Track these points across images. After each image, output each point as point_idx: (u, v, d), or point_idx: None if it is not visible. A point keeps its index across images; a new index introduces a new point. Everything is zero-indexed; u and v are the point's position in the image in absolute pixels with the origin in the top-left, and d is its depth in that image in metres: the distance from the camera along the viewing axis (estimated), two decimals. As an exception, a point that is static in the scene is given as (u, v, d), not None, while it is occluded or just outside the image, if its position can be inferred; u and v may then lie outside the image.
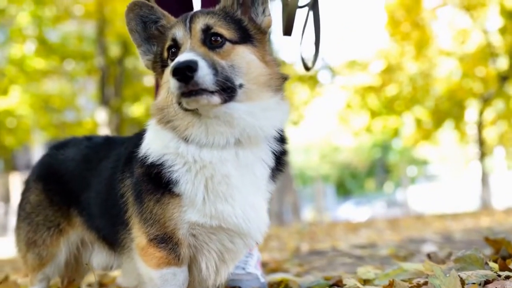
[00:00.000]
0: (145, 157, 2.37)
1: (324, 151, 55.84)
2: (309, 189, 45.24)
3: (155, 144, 2.37)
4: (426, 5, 25.71)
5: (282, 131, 2.46)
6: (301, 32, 3.32)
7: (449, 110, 26.45)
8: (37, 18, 21.47)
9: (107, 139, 2.98)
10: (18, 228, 3.02)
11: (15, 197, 29.22)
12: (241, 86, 2.23)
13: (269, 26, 2.45)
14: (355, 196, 52.08)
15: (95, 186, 2.73)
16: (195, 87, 2.09)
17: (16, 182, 29.57)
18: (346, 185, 57.35)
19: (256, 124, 2.25)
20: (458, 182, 43.23)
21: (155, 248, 2.34)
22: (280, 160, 2.44)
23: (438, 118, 26.84)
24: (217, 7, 2.45)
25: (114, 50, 23.99)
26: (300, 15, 3.25)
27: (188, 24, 2.32)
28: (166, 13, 2.49)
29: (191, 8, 3.51)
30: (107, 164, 2.72)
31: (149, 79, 23.60)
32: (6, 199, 26.91)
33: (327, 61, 27.46)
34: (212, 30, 2.28)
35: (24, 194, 3.06)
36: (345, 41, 69.79)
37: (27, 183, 3.08)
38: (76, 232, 2.90)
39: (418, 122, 27.77)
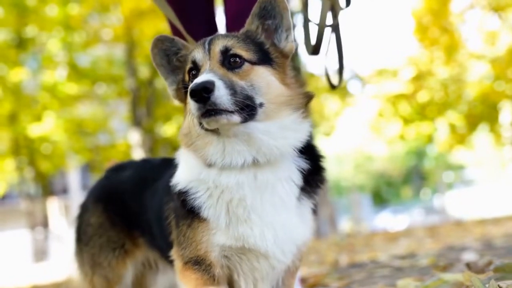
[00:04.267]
0: (175, 185, 2.46)
1: (358, 161, 55.52)
2: (345, 200, 45.13)
3: (182, 171, 2.46)
4: (454, 9, 25.51)
5: (313, 147, 2.49)
6: (326, 52, 3.35)
7: (483, 113, 26.12)
8: (67, 44, 21.79)
9: (164, 160, 3.04)
10: (80, 251, 3.08)
11: (53, 222, 29.61)
12: (261, 105, 2.27)
13: (291, 51, 2.48)
14: (392, 205, 51.70)
15: (152, 206, 2.80)
16: (212, 107, 2.13)
17: (54, 207, 29.99)
18: (382, 194, 56.95)
19: (272, 143, 2.28)
20: (496, 185, 42.67)
21: (191, 270, 2.41)
22: (311, 177, 2.44)
23: (472, 122, 26.53)
24: (241, 31, 2.50)
25: (144, 72, 24.19)
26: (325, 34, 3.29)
27: (207, 46, 2.38)
28: (186, 43, 2.58)
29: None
30: (160, 185, 2.79)
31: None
32: (45, 224, 27.23)
33: (356, 71, 27.36)
34: (231, 52, 2.33)
35: (83, 217, 3.12)
36: (374, 49, 69.52)
37: (85, 207, 3.14)
38: (141, 252, 2.98)
39: (452, 127, 27.46)
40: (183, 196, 2.41)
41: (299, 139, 2.36)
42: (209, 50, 2.36)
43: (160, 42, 2.57)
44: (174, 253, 2.53)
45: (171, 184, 2.49)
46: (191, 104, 2.18)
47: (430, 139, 30.20)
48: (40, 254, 27.35)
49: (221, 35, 2.45)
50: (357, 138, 47.84)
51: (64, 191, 38.09)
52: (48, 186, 27.18)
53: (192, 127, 2.37)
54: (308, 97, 2.45)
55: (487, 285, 2.17)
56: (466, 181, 49.85)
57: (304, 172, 2.41)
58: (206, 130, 2.29)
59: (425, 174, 55.27)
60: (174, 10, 3.34)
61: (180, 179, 2.45)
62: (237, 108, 2.18)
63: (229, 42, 2.35)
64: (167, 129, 24.75)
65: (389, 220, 41.09)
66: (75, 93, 22.69)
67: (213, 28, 3.62)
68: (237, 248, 2.36)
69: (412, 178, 56.69)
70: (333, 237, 16.08)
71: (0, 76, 21.21)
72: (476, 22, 25.90)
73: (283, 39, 2.47)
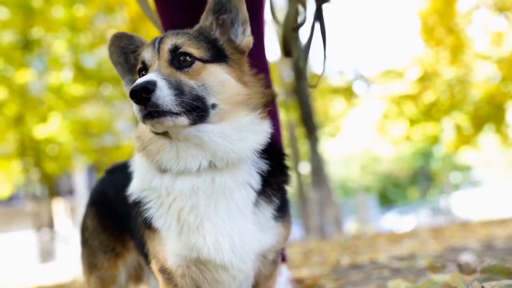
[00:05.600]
0: (130, 194, 2.40)
1: (364, 161, 55.47)
2: (351, 201, 44.99)
3: (136, 180, 2.39)
4: (460, 9, 25.48)
5: (274, 146, 2.38)
6: (307, 46, 3.28)
7: (489, 114, 26.05)
8: (73, 45, 21.87)
9: None
10: (81, 251, 3.11)
11: (59, 223, 29.69)
12: (214, 106, 2.17)
13: (248, 46, 2.38)
14: (398, 206, 51.58)
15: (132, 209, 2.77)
16: (154, 108, 2.04)
17: (60, 208, 30.06)
18: (389, 195, 56.82)
19: (228, 146, 2.17)
20: (503, 186, 42.53)
21: (160, 278, 2.38)
22: (273, 179, 2.34)
23: (478, 123, 26.47)
24: (195, 27, 2.40)
25: (150, 73, 24.24)
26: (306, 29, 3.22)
27: (157, 45, 2.28)
28: (144, 40, 2.47)
29: None
30: None
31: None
32: (51, 225, 27.32)
33: (361, 72, 27.37)
34: (181, 50, 2.22)
35: (83, 219, 3.13)
36: (380, 50, 69.44)
37: (85, 209, 3.16)
38: (132, 255, 2.96)
39: (458, 127, 27.43)
40: (137, 207, 2.36)
41: (258, 141, 2.24)
42: (158, 49, 2.26)
43: (117, 39, 2.47)
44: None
45: (127, 193, 2.43)
46: (133, 106, 2.08)
47: (436, 140, 30.17)
48: (46, 255, 27.46)
49: (172, 33, 2.33)
50: (363, 139, 47.81)
51: (70, 192, 38.16)
52: (54, 187, 27.26)
53: (143, 132, 2.30)
54: (269, 96, 2.35)
55: (470, 287, 2.16)
56: (473, 182, 49.67)
57: (264, 174, 2.30)
58: (156, 133, 2.21)
59: (432, 175, 55.14)
60: (160, 10, 3.33)
61: (134, 188, 2.39)
62: (184, 109, 2.07)
63: (178, 40, 2.24)
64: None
65: (396, 221, 41.01)
66: (81, 94, 22.76)
67: None
68: (193, 258, 2.27)
69: (418, 179, 56.57)
70: (338, 238, 16.06)
71: (6, 77, 21.30)
72: (482, 22, 25.88)
73: (239, 34, 2.36)
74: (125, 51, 2.49)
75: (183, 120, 2.09)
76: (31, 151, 23.60)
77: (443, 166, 49.30)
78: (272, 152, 2.35)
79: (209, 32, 2.36)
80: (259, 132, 2.26)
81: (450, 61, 25.61)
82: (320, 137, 20.73)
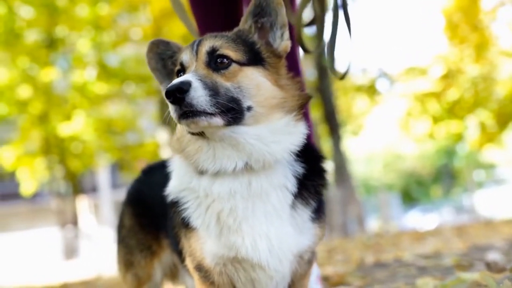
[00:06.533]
0: (169, 195, 2.46)
1: (387, 159, 55.17)
2: (374, 199, 44.79)
3: (175, 180, 2.44)
4: (484, 6, 25.25)
5: (311, 149, 2.42)
6: (332, 42, 3.27)
7: (513, 111, 25.84)
8: (97, 44, 21.99)
9: None
10: (118, 249, 3.19)
11: (83, 220, 29.90)
12: (249, 108, 2.20)
13: (286, 50, 2.41)
14: (421, 204, 51.22)
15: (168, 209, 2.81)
16: (189, 108, 2.08)
17: (83, 205, 30.27)
18: (412, 193, 56.43)
19: (263, 148, 2.21)
20: (527, 185, 42.11)
21: (196, 276, 2.43)
22: (309, 182, 2.37)
23: (502, 120, 26.21)
24: (233, 30, 2.44)
25: (173, 71, 24.27)
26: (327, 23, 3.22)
27: (195, 47, 2.32)
28: (181, 46, 2.52)
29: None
30: None
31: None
32: (75, 222, 27.52)
33: (385, 69, 27.23)
34: (218, 52, 2.26)
35: (120, 218, 3.22)
36: (403, 47, 69.00)
37: (122, 208, 3.23)
38: (167, 254, 3.03)
39: (482, 125, 27.20)
40: (174, 207, 2.41)
41: (294, 143, 2.28)
42: (196, 51, 2.31)
43: (155, 46, 2.55)
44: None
45: (165, 194, 2.48)
46: (169, 106, 2.14)
47: (460, 138, 29.94)
48: (70, 252, 27.64)
49: (210, 35, 2.38)
50: (386, 137, 47.56)
51: (94, 189, 38.42)
52: (78, 185, 27.46)
53: (182, 133, 2.35)
54: (304, 98, 2.38)
55: (501, 285, 2.15)
56: (497, 180, 49.13)
57: (301, 177, 2.34)
58: (193, 134, 2.26)
59: (455, 173, 54.68)
60: (195, 12, 3.35)
61: (172, 188, 2.44)
62: (219, 110, 2.11)
63: (216, 43, 2.29)
64: (196, 128, 24.80)
65: (419, 219, 40.73)
66: (105, 93, 22.88)
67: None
68: (230, 257, 2.32)
69: (442, 177, 56.14)
70: (361, 236, 15.99)
71: (31, 76, 21.52)
72: (506, 19, 25.62)
73: (277, 38, 2.39)
74: (162, 57, 2.56)
75: (218, 120, 2.13)
76: (55, 149, 23.78)
77: (466, 164, 48.82)
78: (309, 155, 2.39)
79: (247, 35, 2.40)
80: (294, 133, 2.30)
81: (474, 58, 25.39)
82: (343, 135, 20.65)
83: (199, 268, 2.39)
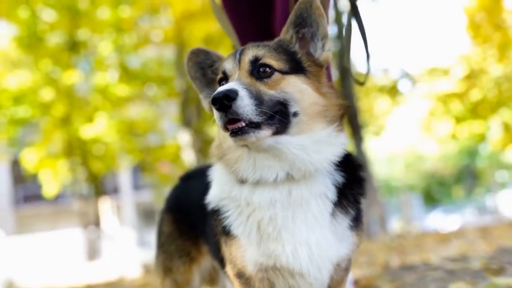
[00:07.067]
0: (209, 203, 2.49)
1: (409, 160, 54.88)
2: (396, 200, 44.71)
3: (215, 189, 2.47)
4: (507, 5, 25.03)
5: (350, 158, 2.43)
6: (347, 45, 3.27)
7: (538, 111, 25.60)
8: (118, 46, 22.12)
9: None
10: (157, 255, 3.22)
11: (105, 221, 30.08)
12: (295, 114, 2.23)
13: (327, 61, 2.43)
14: (443, 205, 50.96)
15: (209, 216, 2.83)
16: (234, 116, 2.11)
17: (106, 207, 30.45)
18: (433, 193, 56.16)
19: (306, 158, 2.23)
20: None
21: (237, 283, 2.44)
22: (348, 191, 2.39)
23: (526, 121, 26.01)
24: (275, 40, 2.46)
25: (194, 73, 24.29)
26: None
27: (238, 56, 2.35)
28: (221, 55, 2.55)
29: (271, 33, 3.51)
30: None
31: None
32: (97, 224, 27.69)
33: (407, 70, 27.07)
34: (261, 61, 2.29)
35: (159, 224, 3.25)
36: (425, 48, 68.65)
37: (161, 214, 3.27)
38: (206, 260, 3.06)
39: (505, 125, 26.96)
40: (215, 215, 2.44)
41: (335, 153, 2.30)
42: (239, 60, 2.34)
43: (194, 55, 2.57)
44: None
45: (205, 202, 2.51)
46: (214, 113, 2.16)
47: (482, 138, 29.70)
48: (93, 253, 27.82)
49: (253, 45, 2.40)
50: (408, 137, 47.34)
51: (115, 191, 38.66)
52: (100, 186, 27.63)
53: (222, 140, 2.36)
54: (344, 108, 2.39)
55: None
56: (520, 180, 48.80)
57: (340, 186, 2.36)
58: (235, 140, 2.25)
59: (478, 174, 54.35)
60: (230, 17, 3.35)
61: (213, 197, 2.47)
62: (264, 118, 2.14)
63: (259, 52, 2.32)
64: (217, 130, 24.84)
65: (441, 220, 40.54)
66: (126, 95, 23.01)
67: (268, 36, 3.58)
68: (270, 265, 2.33)
69: (464, 178, 55.80)
70: (383, 237, 15.92)
71: (54, 79, 21.69)
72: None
73: (319, 48, 2.41)
74: (202, 66, 2.59)
75: (264, 132, 2.16)
76: (77, 151, 23.95)
77: (489, 165, 48.56)
78: (348, 164, 2.40)
79: (289, 45, 2.42)
80: (335, 144, 2.31)
81: (498, 58, 25.17)
82: (364, 135, 20.57)
83: (240, 275, 2.41)
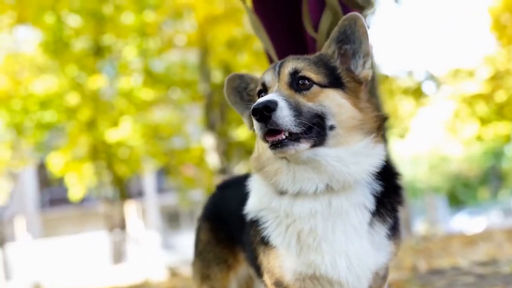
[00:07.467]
0: (247, 214, 2.52)
1: (433, 162, 54.44)
2: (420, 202, 44.32)
3: (254, 199, 2.51)
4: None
5: (388, 166, 2.44)
6: None
7: None
8: (143, 51, 22.25)
9: None
10: (194, 262, 3.26)
11: (130, 224, 30.27)
12: (332, 127, 2.26)
13: (366, 78, 2.45)
14: (468, 207, 50.49)
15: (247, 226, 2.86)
16: (274, 127, 2.14)
17: (131, 210, 30.64)
18: (458, 195, 55.67)
19: (344, 169, 2.25)
20: None
21: None
22: (386, 200, 2.41)
23: (552, 122, 25.71)
24: (316, 54, 2.50)
25: (217, 76, 24.39)
26: None
27: (277, 68, 2.39)
28: (253, 76, 2.62)
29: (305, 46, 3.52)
30: None
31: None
32: (122, 226, 27.87)
33: (431, 72, 26.90)
34: (300, 74, 2.32)
35: (197, 232, 3.29)
36: (449, 49, 68.13)
37: (198, 222, 3.31)
38: (243, 268, 3.08)
39: (531, 127, 26.70)
40: (254, 225, 2.48)
41: (373, 164, 2.32)
42: (278, 72, 2.37)
43: (230, 81, 2.64)
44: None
45: (244, 212, 2.55)
46: (254, 124, 2.19)
47: (508, 139, 29.40)
48: (118, 256, 28.00)
49: (293, 57, 2.44)
50: (432, 139, 46.99)
51: (140, 194, 38.88)
52: (125, 190, 27.82)
53: (261, 152, 2.40)
54: (382, 119, 2.42)
55: None
56: (547, 182, 48.25)
57: (378, 195, 2.38)
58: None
59: (503, 175, 53.80)
60: (266, 30, 3.37)
61: (251, 207, 2.51)
62: (303, 129, 2.18)
63: (299, 65, 2.35)
64: (240, 133, 24.93)
65: (466, 222, 40.15)
66: (151, 99, 23.17)
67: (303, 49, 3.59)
68: (309, 274, 2.36)
69: (489, 179, 55.26)
70: (409, 240, 15.82)
71: (79, 83, 21.91)
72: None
73: (359, 65, 2.44)
74: (239, 90, 2.65)
75: (303, 145, 2.19)
76: (103, 155, 24.17)
77: (515, 166, 48.06)
78: (385, 172, 2.41)
79: (329, 60, 2.44)
80: (373, 155, 2.33)
81: (524, 59, 24.93)
82: (389, 137, 20.48)
83: (278, 284, 2.44)
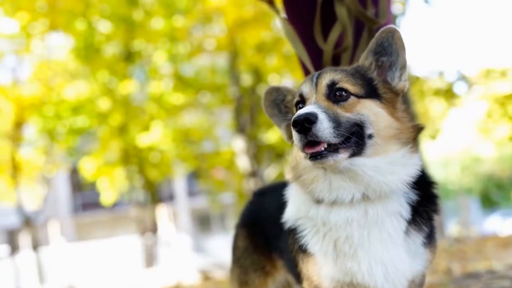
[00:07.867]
0: (286, 222, 2.57)
1: (465, 163, 53.83)
2: (452, 203, 43.96)
3: (291, 208, 2.56)
4: None
5: (423, 175, 2.45)
6: None
7: None
8: (172, 56, 22.36)
9: None
10: (232, 269, 3.31)
11: (162, 228, 30.44)
12: (370, 136, 2.29)
13: (403, 90, 2.48)
14: (502, 208, 49.84)
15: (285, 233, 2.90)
16: (314, 138, 2.17)
17: (162, 213, 30.80)
18: (491, 196, 54.93)
19: (380, 179, 2.28)
20: None
21: None
22: (422, 208, 2.43)
23: None
24: (353, 65, 2.54)
25: (247, 80, 24.42)
26: None
27: (315, 80, 2.43)
28: (290, 88, 2.67)
29: None
30: None
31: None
32: (154, 230, 28.03)
33: (462, 72, 26.64)
34: (338, 85, 2.36)
35: (234, 239, 3.33)
36: (481, 49, 67.39)
37: (236, 229, 3.35)
38: (280, 274, 3.11)
39: None
40: (292, 233, 2.52)
41: (409, 174, 2.34)
42: (316, 83, 2.41)
43: (268, 94, 2.69)
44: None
45: (282, 220, 2.60)
46: (293, 135, 2.23)
47: (542, 140, 28.99)
48: (150, 259, 28.16)
49: (330, 69, 2.49)
50: (464, 140, 46.52)
51: (171, 197, 39.07)
52: (156, 194, 27.98)
53: (298, 160, 2.43)
54: (418, 129, 2.44)
55: None
56: None
57: (414, 204, 2.40)
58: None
59: (537, 176, 52.99)
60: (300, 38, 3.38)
61: (289, 216, 2.56)
62: (342, 139, 2.21)
63: (336, 76, 2.39)
64: (270, 136, 24.94)
65: (499, 224, 39.67)
66: (181, 103, 23.28)
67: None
68: (346, 282, 2.39)
69: (523, 180, 54.48)
70: (442, 242, 15.67)
71: (111, 89, 22.11)
72: None
73: (396, 77, 2.47)
74: (277, 102, 2.71)
75: (343, 156, 2.23)
76: (134, 159, 24.35)
77: (548, 167, 47.35)
78: (421, 181, 2.43)
79: (366, 71, 2.48)
80: (409, 165, 2.36)
81: (557, 57, 24.57)
82: (420, 139, 20.33)
83: None
